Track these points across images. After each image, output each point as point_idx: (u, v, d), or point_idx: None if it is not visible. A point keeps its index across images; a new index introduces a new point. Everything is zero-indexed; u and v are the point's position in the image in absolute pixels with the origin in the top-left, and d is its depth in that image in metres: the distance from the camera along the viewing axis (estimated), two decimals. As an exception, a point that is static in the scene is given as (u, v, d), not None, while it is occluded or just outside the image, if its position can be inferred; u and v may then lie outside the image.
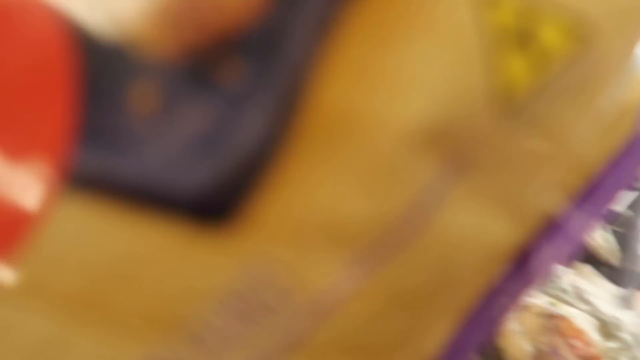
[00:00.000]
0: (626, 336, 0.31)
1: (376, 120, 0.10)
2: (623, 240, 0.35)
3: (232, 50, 0.09)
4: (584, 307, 0.32)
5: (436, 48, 0.10)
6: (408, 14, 0.09)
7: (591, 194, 0.14)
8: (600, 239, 0.35)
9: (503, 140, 0.11)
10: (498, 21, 0.10)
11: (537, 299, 0.31)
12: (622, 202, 0.34)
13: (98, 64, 0.09)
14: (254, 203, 0.10)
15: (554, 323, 0.30)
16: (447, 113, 0.10)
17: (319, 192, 0.10)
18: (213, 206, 0.10)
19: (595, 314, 0.31)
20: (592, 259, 0.34)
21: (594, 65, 0.11)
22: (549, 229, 0.14)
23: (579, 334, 0.30)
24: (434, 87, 0.10)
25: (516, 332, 0.30)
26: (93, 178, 0.10)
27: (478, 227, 0.11)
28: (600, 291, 0.33)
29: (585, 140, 0.12)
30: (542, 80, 0.10)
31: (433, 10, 0.10)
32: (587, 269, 0.34)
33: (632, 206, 0.35)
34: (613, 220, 0.35)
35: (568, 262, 0.14)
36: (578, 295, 0.32)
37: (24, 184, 0.09)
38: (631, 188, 0.32)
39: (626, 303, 0.33)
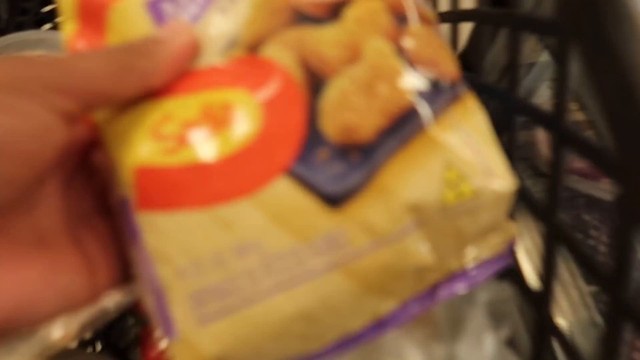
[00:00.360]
0: None
1: (394, 194, 0.28)
2: None
3: (357, 148, 0.28)
4: None
5: (424, 179, 0.28)
6: (421, 162, 0.28)
7: (478, 268, 0.31)
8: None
9: (441, 220, 0.29)
10: (454, 191, 0.29)
11: None
12: None
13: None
14: (350, 204, 0.28)
15: None
16: (422, 201, 0.28)
17: (373, 209, 0.28)
18: (335, 200, 0.28)
19: None
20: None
21: (470, 210, 0.29)
22: (451, 278, 0.31)
23: None
24: (420, 191, 0.28)
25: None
26: (297, 175, 0.28)
27: (421, 251, 0.29)
28: None
29: (479, 242, 0.30)
30: (456, 205, 0.29)
31: (427, 163, 0.28)
32: None
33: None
34: None
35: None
36: None
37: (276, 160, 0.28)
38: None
39: None
